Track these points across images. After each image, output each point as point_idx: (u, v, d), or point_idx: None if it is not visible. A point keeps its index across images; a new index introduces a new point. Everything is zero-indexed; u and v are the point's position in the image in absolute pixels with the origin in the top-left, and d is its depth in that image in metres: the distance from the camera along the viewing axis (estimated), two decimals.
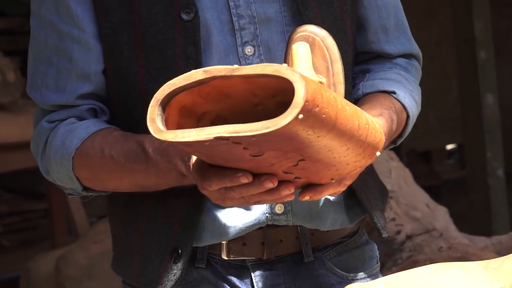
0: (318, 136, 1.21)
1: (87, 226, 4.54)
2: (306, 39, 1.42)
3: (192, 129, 1.20)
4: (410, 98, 1.64)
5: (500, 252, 3.55)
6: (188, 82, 1.23)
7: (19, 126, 4.35)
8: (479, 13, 4.91)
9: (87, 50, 1.57)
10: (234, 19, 1.55)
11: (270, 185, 1.23)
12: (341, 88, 1.44)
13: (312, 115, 1.17)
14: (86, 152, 1.50)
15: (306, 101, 1.15)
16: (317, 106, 1.17)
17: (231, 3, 1.55)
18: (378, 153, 1.32)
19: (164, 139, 1.21)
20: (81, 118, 1.56)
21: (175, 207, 1.56)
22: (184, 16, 1.53)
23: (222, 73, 1.21)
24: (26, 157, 4.32)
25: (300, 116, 1.14)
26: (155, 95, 1.25)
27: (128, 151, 1.48)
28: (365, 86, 1.64)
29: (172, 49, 1.54)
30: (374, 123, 1.32)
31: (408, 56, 1.75)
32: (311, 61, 1.38)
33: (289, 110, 1.14)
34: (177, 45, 1.54)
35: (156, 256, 1.60)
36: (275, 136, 1.17)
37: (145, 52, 1.56)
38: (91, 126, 1.54)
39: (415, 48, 1.77)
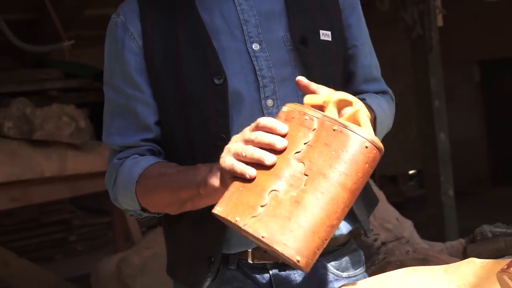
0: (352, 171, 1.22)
1: (140, 235, 4.54)
2: None
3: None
4: (377, 105, 1.62)
5: (452, 254, 3.54)
6: None
7: (88, 161, 4.38)
8: (434, 71, 4.91)
9: (147, 106, 1.58)
10: (259, 79, 1.55)
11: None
12: None
13: (369, 155, 1.23)
14: (147, 175, 1.50)
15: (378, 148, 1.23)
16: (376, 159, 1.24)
17: (256, 67, 1.54)
18: None
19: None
20: (142, 156, 1.57)
21: (207, 227, 1.54)
22: (216, 81, 1.52)
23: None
24: (94, 183, 4.34)
25: (367, 144, 1.22)
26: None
27: (183, 168, 1.48)
28: None
29: (206, 105, 1.54)
30: None
31: (382, 92, 1.76)
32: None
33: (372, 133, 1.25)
34: (210, 102, 1.53)
35: (196, 263, 1.61)
36: (342, 136, 1.23)
37: (185, 107, 1.56)
38: (151, 160, 1.54)
39: (386, 88, 1.77)
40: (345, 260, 1.69)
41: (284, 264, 1.60)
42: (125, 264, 3.78)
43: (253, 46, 1.55)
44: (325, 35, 1.61)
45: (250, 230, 1.20)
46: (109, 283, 3.88)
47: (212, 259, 1.58)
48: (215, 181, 1.35)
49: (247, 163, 1.24)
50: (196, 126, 1.56)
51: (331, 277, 1.65)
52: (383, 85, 1.76)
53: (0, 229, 5.67)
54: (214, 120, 1.54)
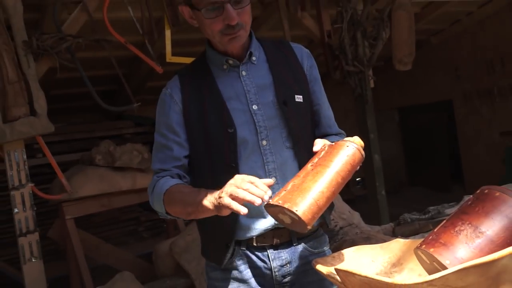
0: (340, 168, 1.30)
1: (184, 226, 4.52)
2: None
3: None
4: None
5: (386, 233, 3.53)
6: None
7: (149, 179, 4.35)
8: (369, 115, 4.90)
9: (181, 146, 1.57)
10: (257, 128, 1.55)
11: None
12: None
13: (352, 152, 1.32)
14: (171, 190, 1.48)
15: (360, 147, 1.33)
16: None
17: (255, 120, 1.55)
18: None
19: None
20: (172, 178, 1.55)
21: (224, 224, 1.55)
22: (229, 130, 1.53)
23: None
24: None
25: (348, 144, 1.32)
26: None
27: (192, 189, 1.46)
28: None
29: (223, 145, 1.54)
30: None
31: (339, 133, 1.74)
32: None
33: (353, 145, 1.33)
34: (225, 143, 1.53)
35: (219, 247, 1.61)
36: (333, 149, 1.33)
37: (210, 147, 1.56)
38: (176, 181, 1.53)
39: (340, 130, 1.76)
40: (316, 241, 1.69)
41: (277, 245, 1.60)
42: (174, 246, 3.76)
43: (253, 107, 1.56)
44: (298, 98, 1.61)
45: (274, 202, 1.25)
46: (164, 259, 3.85)
47: (228, 244, 1.58)
48: (208, 204, 1.35)
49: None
50: (216, 159, 1.56)
51: (306, 253, 1.64)
52: (338, 128, 1.76)
53: (93, 224, 5.64)
54: (228, 155, 1.54)
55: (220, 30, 1.49)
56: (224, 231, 1.58)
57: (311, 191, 1.24)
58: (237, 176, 1.31)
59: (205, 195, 1.37)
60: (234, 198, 1.26)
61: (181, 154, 1.57)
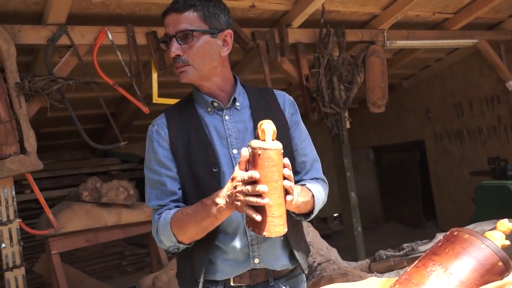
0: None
1: (167, 260, 4.44)
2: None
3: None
4: (315, 189, 1.60)
5: (362, 269, 3.49)
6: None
7: (135, 214, 4.32)
8: (346, 154, 4.92)
9: (174, 180, 1.55)
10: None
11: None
12: None
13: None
14: (176, 217, 1.47)
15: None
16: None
17: (234, 164, 1.55)
18: None
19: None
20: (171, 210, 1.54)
21: (195, 261, 1.54)
22: (214, 169, 1.53)
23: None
24: (138, 228, 4.28)
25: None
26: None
27: (194, 206, 1.45)
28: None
29: (208, 183, 1.53)
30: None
31: (317, 178, 1.71)
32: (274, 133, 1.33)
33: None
34: (210, 182, 1.53)
35: (190, 283, 1.58)
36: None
37: (196, 184, 1.54)
38: (175, 210, 1.52)
39: (322, 176, 1.73)
40: (292, 281, 1.67)
41: (253, 286, 1.58)
42: (157, 280, 3.68)
43: (233, 151, 1.57)
44: None
45: None
46: None
47: (198, 281, 1.55)
48: (225, 207, 1.37)
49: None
50: (201, 196, 1.52)
51: None
52: (319, 174, 1.72)
53: (78, 258, 5.53)
54: (212, 192, 1.52)
55: (172, 61, 1.57)
56: (195, 268, 1.56)
57: None
58: (234, 181, 1.33)
59: (215, 204, 1.38)
60: (245, 202, 1.29)
61: (175, 188, 1.55)
